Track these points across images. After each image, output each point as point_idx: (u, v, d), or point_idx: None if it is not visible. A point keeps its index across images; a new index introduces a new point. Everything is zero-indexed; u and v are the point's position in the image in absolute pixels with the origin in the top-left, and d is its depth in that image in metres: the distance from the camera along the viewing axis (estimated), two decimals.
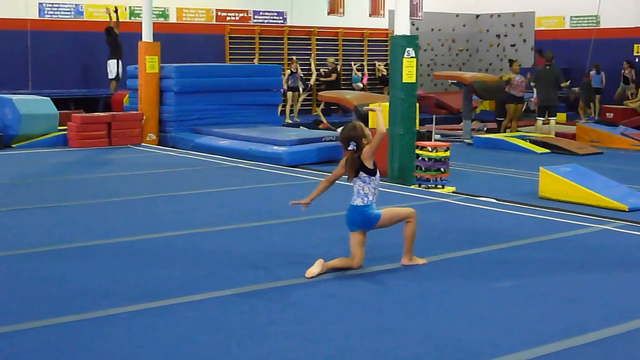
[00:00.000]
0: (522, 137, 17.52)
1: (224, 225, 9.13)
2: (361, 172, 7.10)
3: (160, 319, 5.90)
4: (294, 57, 22.88)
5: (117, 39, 20.36)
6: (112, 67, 20.49)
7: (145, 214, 9.88)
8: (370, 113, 14.77)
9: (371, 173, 7.12)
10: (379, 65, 25.49)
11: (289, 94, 21.85)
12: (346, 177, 7.19)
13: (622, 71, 23.77)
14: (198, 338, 5.51)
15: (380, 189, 10.98)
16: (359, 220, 7.15)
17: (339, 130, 7.40)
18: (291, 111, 22.08)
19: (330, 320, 5.89)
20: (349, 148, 7.08)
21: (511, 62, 19.87)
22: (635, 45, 24.46)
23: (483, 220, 9.58)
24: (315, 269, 6.98)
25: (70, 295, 6.49)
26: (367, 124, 14.41)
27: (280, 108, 20.49)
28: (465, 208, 10.37)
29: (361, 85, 24.65)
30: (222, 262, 7.52)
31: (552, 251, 8.08)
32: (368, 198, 7.14)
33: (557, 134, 18.50)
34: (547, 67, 18.76)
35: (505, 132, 19.04)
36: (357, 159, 7.08)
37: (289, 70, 22.27)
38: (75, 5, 20.96)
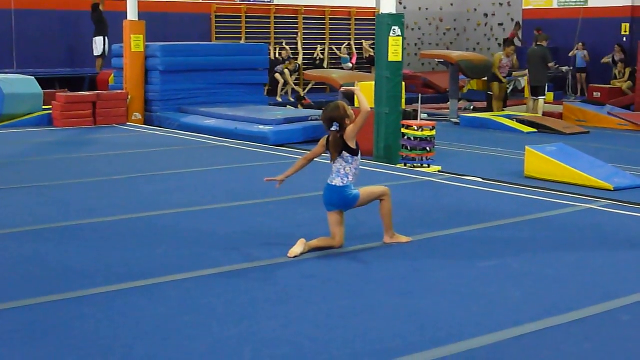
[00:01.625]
0: (509, 117, 17.50)
1: (207, 205, 9.09)
2: (344, 152, 7.06)
3: (142, 299, 5.86)
4: (285, 44, 22.90)
5: (103, 15, 20.22)
6: (99, 45, 20.36)
7: (129, 194, 9.83)
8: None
9: (354, 153, 7.08)
10: (366, 44, 25.40)
11: (278, 75, 21.81)
12: (327, 155, 7.15)
13: (613, 54, 23.72)
14: (179, 318, 5.48)
15: (367, 168, 10.97)
16: (337, 200, 7.11)
17: (323, 109, 7.35)
18: (288, 91, 22.11)
19: (312, 300, 5.87)
20: (332, 129, 7.03)
21: (508, 43, 19.57)
22: (623, 25, 24.43)
23: (468, 200, 9.55)
24: (297, 249, 6.95)
25: (51, 275, 6.45)
26: (352, 104, 14.43)
27: (267, 88, 20.47)
28: (451, 187, 10.34)
29: (350, 65, 24.58)
30: (205, 242, 7.48)
31: (536, 230, 8.07)
32: (348, 178, 7.10)
33: (545, 114, 18.48)
34: (536, 48, 18.76)
35: (505, 107, 19.21)
36: (340, 139, 7.03)
37: (280, 57, 22.24)
38: None
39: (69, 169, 11.61)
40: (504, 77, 19.26)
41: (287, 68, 22.08)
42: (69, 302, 5.80)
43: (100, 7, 20.22)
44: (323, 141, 7.19)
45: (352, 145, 7.07)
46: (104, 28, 20.27)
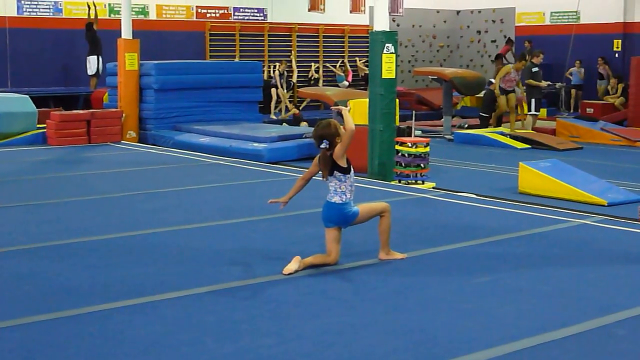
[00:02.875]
0: (502, 133, 17.54)
1: (202, 223, 9.10)
2: (335, 171, 7.08)
3: (137, 317, 5.86)
4: (283, 60, 23.02)
5: (97, 34, 20.26)
6: (92, 64, 20.39)
7: (124, 212, 9.83)
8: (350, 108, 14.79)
9: (345, 171, 7.10)
10: (360, 63, 25.47)
11: (273, 90, 21.86)
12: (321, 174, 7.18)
13: (597, 67, 23.87)
14: (175, 335, 5.48)
15: (361, 185, 10.98)
16: (337, 217, 7.13)
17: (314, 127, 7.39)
18: (282, 108, 22.13)
19: (307, 317, 5.88)
20: (322, 146, 7.06)
21: (523, 56, 19.07)
22: (615, 41, 24.54)
23: (463, 216, 9.57)
24: (292, 266, 6.96)
25: (46, 294, 6.45)
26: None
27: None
28: (445, 203, 10.37)
29: (347, 83, 24.66)
30: (200, 260, 7.49)
31: (531, 246, 8.09)
32: (346, 196, 7.12)
33: (538, 130, 18.53)
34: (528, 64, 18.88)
35: (499, 125, 19.02)
36: (329, 158, 7.06)
37: (277, 72, 22.31)
38: (54, 2, 20.85)
39: (63, 188, 11.61)
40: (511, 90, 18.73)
41: (279, 71, 22.17)
42: (65, 320, 5.80)
43: (94, 26, 20.26)
44: (316, 160, 7.22)
45: (342, 163, 7.08)
46: (97, 47, 20.31)
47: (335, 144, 7.04)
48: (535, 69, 19.07)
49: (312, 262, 7.09)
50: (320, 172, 7.19)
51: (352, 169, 7.17)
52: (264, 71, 21.33)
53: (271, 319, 5.84)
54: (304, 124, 19.51)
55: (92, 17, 20.36)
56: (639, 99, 20.01)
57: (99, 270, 7.12)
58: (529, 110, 18.81)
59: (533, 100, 19.06)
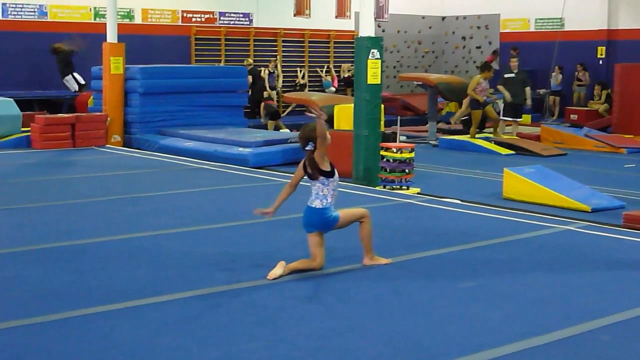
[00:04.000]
0: (487, 139, 17.58)
1: (187, 227, 9.08)
2: (319, 176, 7.10)
3: (122, 321, 5.85)
4: (272, 59, 23.02)
5: (66, 54, 20.02)
6: (71, 82, 20.22)
7: (109, 216, 9.80)
8: (335, 113, 14.80)
9: (329, 175, 7.11)
10: (345, 66, 25.49)
11: (265, 93, 21.86)
12: (308, 177, 7.18)
13: (576, 74, 23.97)
14: (160, 340, 5.48)
15: (346, 190, 11.00)
16: (317, 222, 7.14)
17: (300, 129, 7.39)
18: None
19: (292, 322, 5.88)
20: (307, 148, 7.08)
21: (486, 66, 19.02)
22: (599, 48, 24.65)
23: (447, 221, 9.59)
24: (277, 271, 6.96)
25: (31, 297, 6.43)
26: (332, 125, 14.49)
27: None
28: (430, 209, 10.39)
29: (333, 89, 24.67)
30: (185, 264, 7.48)
31: (515, 252, 8.12)
32: (327, 200, 7.13)
33: (522, 136, 18.59)
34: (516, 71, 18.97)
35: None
36: (314, 160, 7.07)
37: (267, 71, 22.28)
38: (39, 5, 20.76)
39: (47, 191, 11.57)
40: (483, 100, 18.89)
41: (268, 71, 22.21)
42: (49, 324, 5.78)
43: (64, 47, 19.93)
44: (301, 164, 7.23)
45: (325, 167, 7.10)
46: (69, 66, 20.08)
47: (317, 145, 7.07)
48: (508, 75, 19.12)
49: (297, 267, 7.09)
50: (306, 176, 7.20)
51: (336, 173, 7.17)
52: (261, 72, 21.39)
53: (256, 323, 5.84)
54: (284, 130, 19.52)
55: (67, 48, 20.01)
56: (623, 106, 20.12)
57: (83, 274, 7.10)
58: (498, 115, 18.77)
59: (502, 105, 19.07)
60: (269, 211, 7.35)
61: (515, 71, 19.12)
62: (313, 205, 7.15)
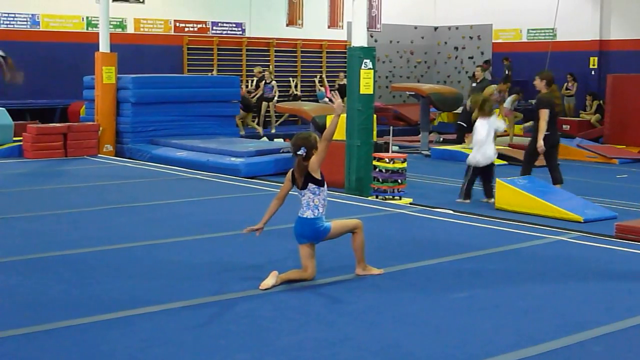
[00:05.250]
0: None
1: (179, 237, 9.06)
2: (310, 184, 7.08)
3: (113, 331, 5.82)
4: (268, 68, 23.05)
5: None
6: None
7: (100, 226, 9.77)
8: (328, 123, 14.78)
9: (319, 184, 7.10)
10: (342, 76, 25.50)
11: (263, 104, 21.88)
12: (297, 187, 7.16)
13: (565, 84, 24.03)
14: (150, 350, 5.45)
15: (338, 200, 10.99)
16: (309, 233, 7.12)
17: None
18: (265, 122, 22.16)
19: (283, 333, 5.86)
20: (299, 152, 7.06)
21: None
22: (591, 58, 24.73)
23: (439, 232, 9.59)
24: (269, 281, 6.95)
25: (21, 308, 6.40)
26: None
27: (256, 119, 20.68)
28: (422, 219, 10.38)
29: (326, 99, 24.66)
30: (176, 274, 7.45)
31: (507, 262, 8.11)
32: (318, 210, 7.12)
33: (515, 146, 18.60)
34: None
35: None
36: (305, 167, 7.06)
37: (263, 81, 22.32)
38: (32, 15, 20.76)
39: (39, 201, 11.54)
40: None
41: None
42: (39, 334, 5.75)
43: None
44: (289, 175, 7.22)
45: (317, 176, 7.09)
46: None
47: (311, 156, 7.05)
48: (473, 84, 19.18)
49: (289, 278, 7.08)
50: (295, 186, 7.18)
51: (325, 183, 7.16)
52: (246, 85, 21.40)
53: (247, 334, 5.81)
54: (254, 126, 19.58)
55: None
56: (615, 116, 20.17)
57: (74, 285, 7.07)
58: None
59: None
60: (258, 227, 7.32)
61: (478, 81, 19.22)
62: (304, 216, 7.14)
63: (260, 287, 6.90)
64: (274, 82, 22.32)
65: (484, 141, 11.83)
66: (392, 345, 5.62)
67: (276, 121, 22.72)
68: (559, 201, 10.99)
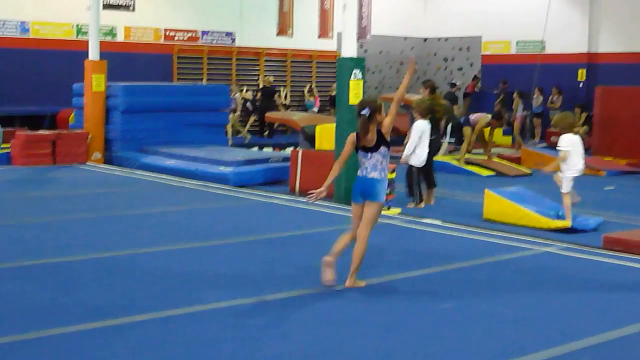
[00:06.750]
0: (466, 160, 17.63)
1: (167, 246, 9.05)
2: (382, 146, 7.26)
3: (100, 340, 5.81)
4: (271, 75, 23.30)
5: None
6: None
7: (88, 234, 9.75)
8: (317, 133, 14.77)
9: (389, 146, 7.31)
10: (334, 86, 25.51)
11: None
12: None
13: (551, 97, 24.12)
14: (139, 359, 5.44)
15: (327, 210, 11.02)
16: (371, 192, 7.26)
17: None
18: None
19: (272, 341, 5.86)
20: (362, 112, 7.18)
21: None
22: (580, 71, 24.82)
23: (428, 242, 9.61)
24: (329, 275, 7.09)
25: (7, 315, 6.38)
26: (313, 145, 14.48)
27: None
28: (411, 230, 10.39)
29: (315, 109, 24.71)
30: (165, 283, 7.45)
31: (495, 273, 8.13)
32: (385, 172, 7.32)
33: (504, 157, 18.64)
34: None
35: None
36: (368, 128, 7.18)
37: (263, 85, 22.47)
38: (21, 22, 20.72)
39: (27, 208, 11.51)
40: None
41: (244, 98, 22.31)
42: (27, 342, 5.73)
43: None
44: (352, 138, 7.32)
45: (388, 138, 7.28)
46: None
47: (374, 118, 7.17)
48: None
49: (341, 249, 7.23)
50: (361, 148, 7.29)
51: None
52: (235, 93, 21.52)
53: (236, 342, 5.81)
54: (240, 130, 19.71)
55: None
56: (603, 128, 20.23)
57: (61, 292, 7.05)
58: (444, 137, 18.95)
59: (448, 127, 19.17)
60: (322, 190, 7.33)
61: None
62: (370, 177, 7.27)
63: (324, 283, 7.07)
64: (237, 94, 22.36)
65: (418, 143, 12.27)
66: (381, 355, 5.62)
67: (265, 130, 22.83)
68: (547, 212, 11.01)
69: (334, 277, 7.09)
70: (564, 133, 11.42)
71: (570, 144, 11.25)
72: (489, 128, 18.21)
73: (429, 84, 13.69)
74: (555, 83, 24.13)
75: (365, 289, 7.30)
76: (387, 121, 7.22)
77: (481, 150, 18.99)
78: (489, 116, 18.06)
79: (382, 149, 7.24)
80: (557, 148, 11.26)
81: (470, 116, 18.46)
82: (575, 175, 11.23)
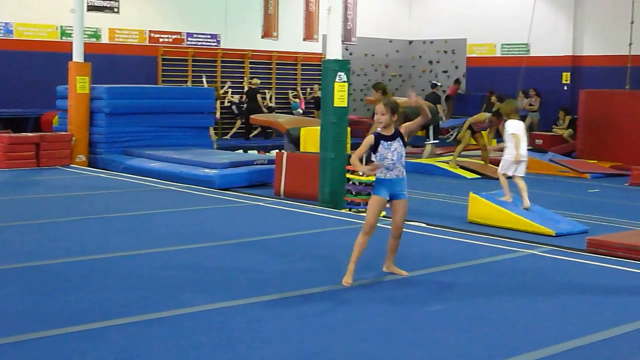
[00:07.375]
0: (448, 162, 17.68)
1: (151, 249, 9.02)
2: (398, 137, 7.71)
3: (84, 344, 5.78)
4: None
5: None
6: None
7: (72, 237, 9.71)
8: (302, 136, 14.78)
9: (405, 144, 7.76)
10: (317, 88, 25.52)
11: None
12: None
13: (529, 99, 24.20)
14: None
15: (311, 212, 11.00)
16: (402, 190, 7.98)
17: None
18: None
19: (257, 345, 5.84)
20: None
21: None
22: (564, 74, 24.92)
23: (413, 245, 9.59)
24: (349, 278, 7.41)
25: None
26: (298, 148, 14.48)
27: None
28: None
29: (301, 111, 24.72)
30: (149, 286, 7.42)
31: (480, 275, 8.14)
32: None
33: (491, 160, 18.66)
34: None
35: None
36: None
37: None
38: (5, 24, 20.65)
39: (10, 211, 11.46)
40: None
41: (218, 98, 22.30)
42: (8, 346, 5.69)
43: None
44: (370, 140, 7.67)
45: (406, 139, 7.72)
46: None
47: (392, 119, 7.63)
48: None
49: (360, 252, 7.65)
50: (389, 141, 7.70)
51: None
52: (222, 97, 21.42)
53: (221, 346, 5.79)
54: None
55: None
56: (587, 131, 20.31)
57: (44, 296, 7.02)
58: (428, 139, 19.06)
59: (431, 128, 19.22)
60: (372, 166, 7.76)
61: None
62: (403, 176, 7.90)
63: (344, 284, 7.35)
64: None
65: None
66: (367, 358, 5.61)
67: (250, 133, 22.86)
68: (531, 215, 11.04)
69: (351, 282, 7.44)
70: (509, 119, 11.64)
71: (518, 128, 11.48)
72: (487, 130, 18.25)
73: (381, 86, 14.08)
74: (534, 86, 24.17)
75: (350, 292, 7.29)
76: (406, 125, 7.78)
77: (477, 152, 18.98)
78: (488, 115, 18.05)
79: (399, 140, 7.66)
80: (508, 133, 11.47)
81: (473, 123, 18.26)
82: (520, 160, 11.48)
